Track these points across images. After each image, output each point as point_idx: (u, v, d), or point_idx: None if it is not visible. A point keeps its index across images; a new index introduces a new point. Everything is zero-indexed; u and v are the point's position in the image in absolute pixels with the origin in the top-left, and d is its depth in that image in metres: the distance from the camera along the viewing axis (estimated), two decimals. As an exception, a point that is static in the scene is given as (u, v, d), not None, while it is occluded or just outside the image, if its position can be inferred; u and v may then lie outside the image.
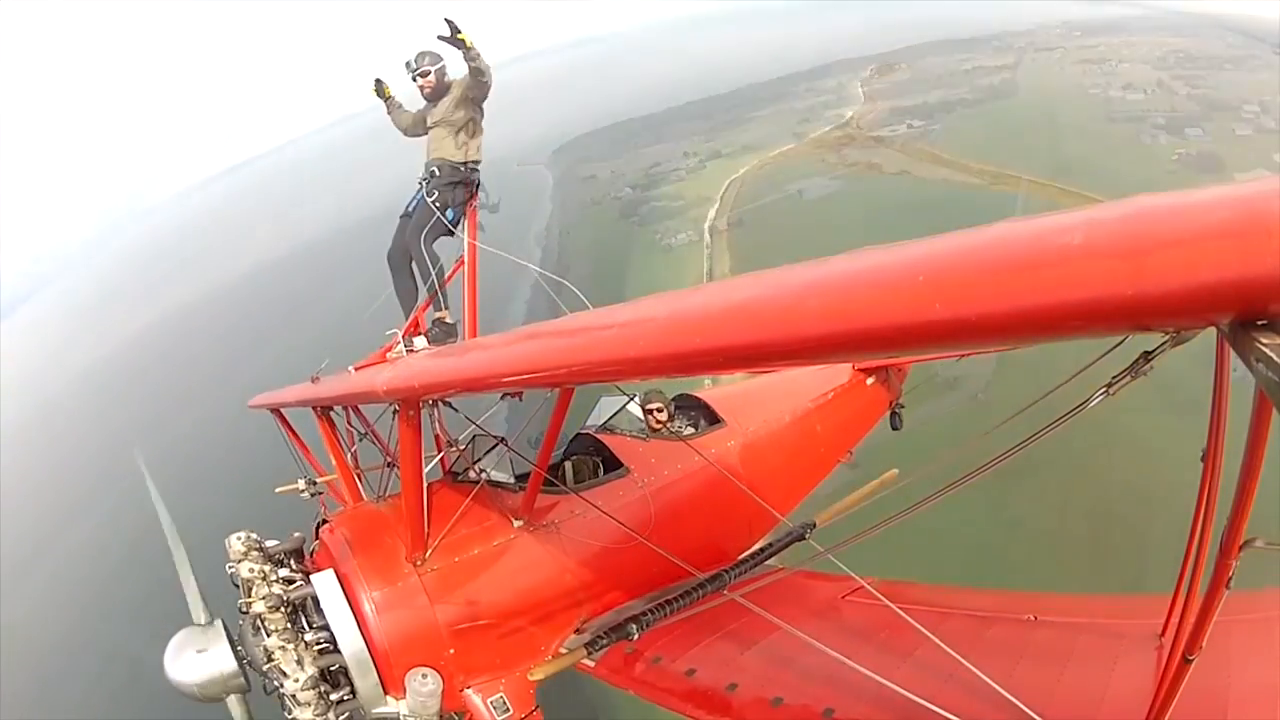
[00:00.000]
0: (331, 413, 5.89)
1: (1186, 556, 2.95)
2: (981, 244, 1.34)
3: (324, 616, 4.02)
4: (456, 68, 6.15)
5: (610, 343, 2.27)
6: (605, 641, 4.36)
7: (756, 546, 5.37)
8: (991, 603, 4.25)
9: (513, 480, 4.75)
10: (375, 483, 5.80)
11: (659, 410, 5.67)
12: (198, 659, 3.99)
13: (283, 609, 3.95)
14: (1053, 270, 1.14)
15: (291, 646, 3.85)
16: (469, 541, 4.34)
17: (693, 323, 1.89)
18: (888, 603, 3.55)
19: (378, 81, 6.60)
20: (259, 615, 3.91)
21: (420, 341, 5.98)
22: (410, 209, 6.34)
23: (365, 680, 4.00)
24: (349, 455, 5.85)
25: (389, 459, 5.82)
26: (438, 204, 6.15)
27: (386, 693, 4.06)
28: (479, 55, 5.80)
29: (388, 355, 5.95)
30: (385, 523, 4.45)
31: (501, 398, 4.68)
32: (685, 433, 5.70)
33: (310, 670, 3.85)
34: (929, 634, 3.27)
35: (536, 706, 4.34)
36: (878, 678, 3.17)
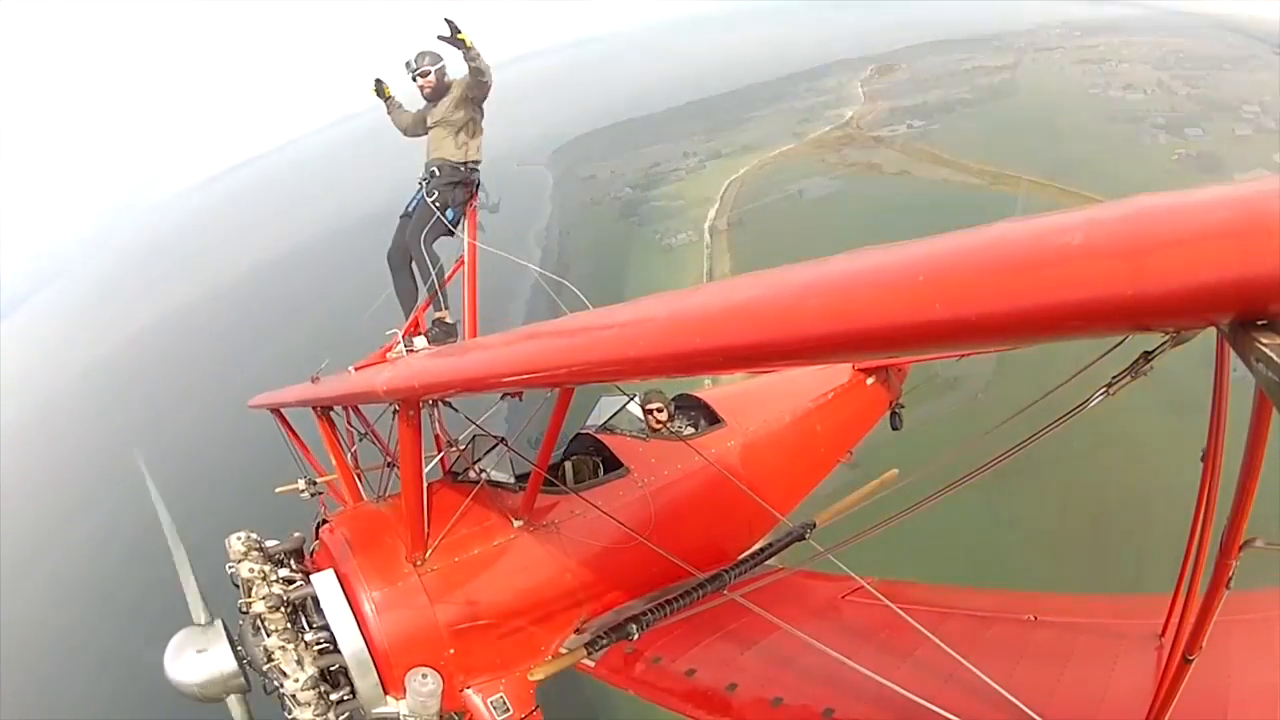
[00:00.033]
0: (331, 413, 5.89)
1: (1186, 556, 2.95)
2: (981, 244, 1.34)
3: (324, 616, 4.02)
4: (456, 68, 6.15)
5: (610, 343, 2.27)
6: (605, 641, 4.35)
7: (756, 546, 5.37)
8: (991, 603, 4.25)
9: (513, 480, 4.75)
10: (375, 483, 5.80)
11: (659, 410, 5.67)
12: (198, 659, 3.99)
13: (283, 609, 3.95)
14: (1053, 270, 1.14)
15: (291, 646, 3.85)
16: (469, 541, 4.34)
17: (693, 323, 1.89)
18: (888, 603, 3.55)
19: (378, 81, 6.60)
20: (259, 615, 3.91)
21: (420, 341, 5.98)
22: (410, 209, 6.34)
23: (365, 680, 4.00)
24: (349, 455, 5.85)
25: (389, 459, 5.82)
26: (438, 204, 6.15)
27: (386, 693, 4.06)
28: (479, 55, 5.80)
29: (388, 355, 5.95)
30: (385, 523, 4.45)
31: (501, 398, 4.68)
32: (685, 433, 5.70)
33: (310, 670, 3.85)
34: (929, 634, 3.27)
35: (536, 706, 4.33)
36: (878, 678, 3.17)
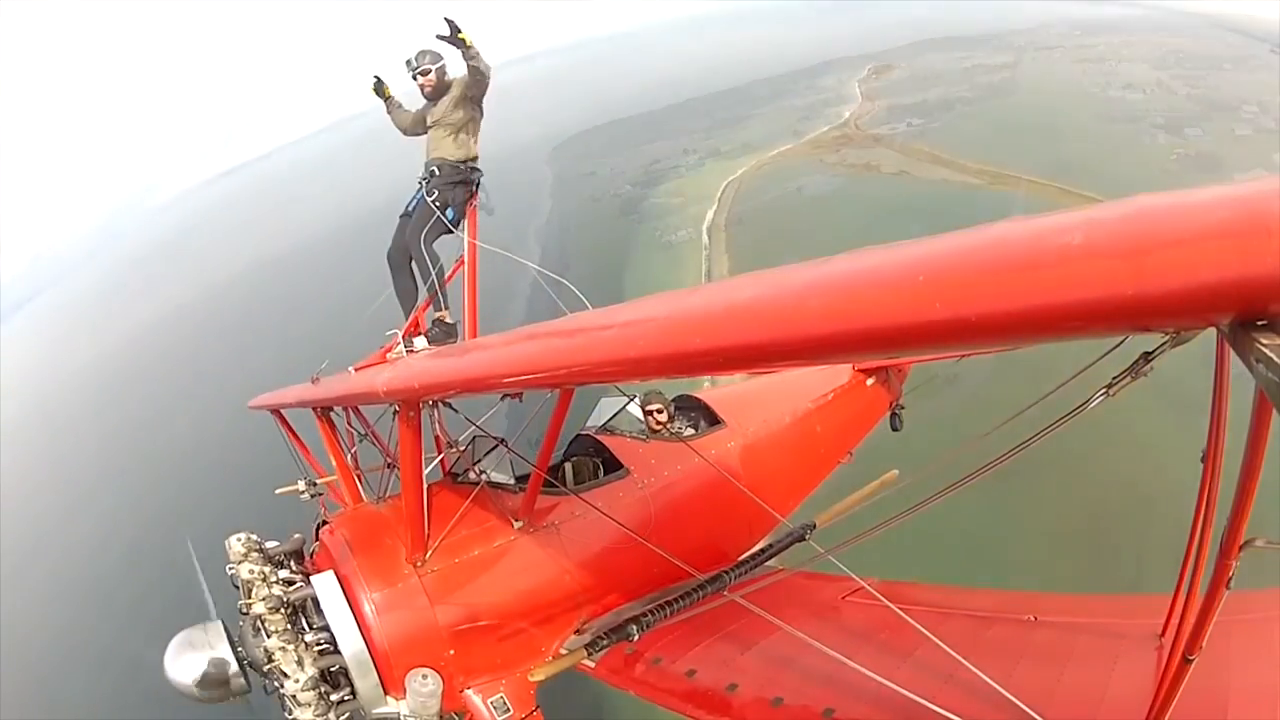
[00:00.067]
0: (331, 413, 5.89)
1: (1186, 556, 2.95)
2: (981, 244, 1.34)
3: (324, 617, 4.02)
4: (456, 67, 6.16)
5: (610, 343, 2.27)
6: (605, 642, 4.36)
7: (757, 547, 5.37)
8: (991, 603, 4.25)
9: (513, 481, 4.74)
10: (375, 484, 5.79)
11: (659, 411, 5.67)
12: (198, 659, 3.99)
13: (283, 610, 3.95)
14: (1053, 270, 1.14)
15: (292, 647, 3.85)
16: (469, 543, 4.34)
17: (693, 323, 1.89)
18: (888, 603, 3.55)
19: (377, 80, 6.59)
20: (259, 616, 3.92)
21: (420, 341, 5.98)
22: (410, 208, 6.34)
23: (365, 681, 4.00)
24: (349, 456, 5.85)
25: (389, 460, 5.81)
26: (438, 203, 6.14)
27: (387, 693, 4.06)
28: (478, 54, 5.79)
29: (388, 355, 5.94)
30: (385, 524, 4.45)
31: (501, 398, 4.68)
32: (685, 434, 5.69)
33: (310, 671, 3.85)
34: (929, 634, 3.27)
35: (536, 707, 4.33)
36: (878, 678, 3.17)
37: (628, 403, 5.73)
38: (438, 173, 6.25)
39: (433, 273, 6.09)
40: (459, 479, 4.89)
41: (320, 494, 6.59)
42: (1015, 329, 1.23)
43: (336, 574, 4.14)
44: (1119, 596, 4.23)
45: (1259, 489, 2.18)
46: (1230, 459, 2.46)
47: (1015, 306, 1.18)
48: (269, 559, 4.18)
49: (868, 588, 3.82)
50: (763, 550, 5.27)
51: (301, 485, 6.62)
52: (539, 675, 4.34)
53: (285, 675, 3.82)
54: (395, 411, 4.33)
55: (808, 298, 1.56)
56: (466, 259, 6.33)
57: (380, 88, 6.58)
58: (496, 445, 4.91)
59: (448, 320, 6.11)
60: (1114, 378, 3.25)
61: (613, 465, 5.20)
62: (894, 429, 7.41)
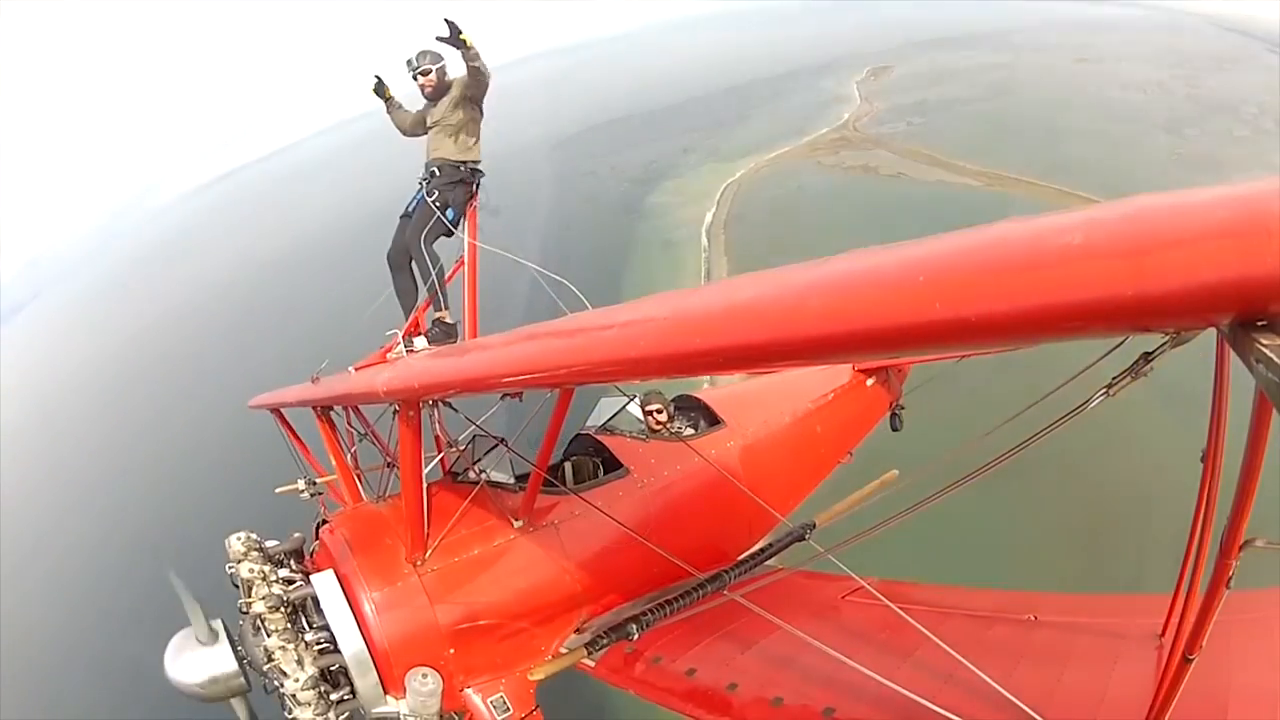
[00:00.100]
0: (331, 413, 5.89)
1: (1186, 556, 2.95)
2: (981, 244, 1.34)
3: (324, 617, 4.02)
4: (457, 67, 6.16)
5: (610, 343, 2.27)
6: (605, 641, 4.36)
7: (756, 547, 5.37)
8: (991, 603, 4.25)
9: (513, 481, 4.75)
10: (375, 483, 5.80)
11: (659, 411, 5.67)
12: (198, 659, 3.99)
13: (283, 609, 3.95)
14: (1053, 270, 1.14)
15: (291, 646, 3.85)
16: (469, 542, 4.34)
17: (693, 323, 1.88)
18: (888, 603, 3.55)
19: (378, 80, 6.59)
20: (259, 615, 3.92)
21: (420, 341, 5.98)
22: (410, 209, 6.34)
23: (365, 680, 4.00)
24: (349, 455, 5.86)
25: (389, 459, 5.82)
26: (438, 204, 6.14)
27: (386, 692, 4.06)
28: (478, 55, 5.79)
29: (388, 355, 5.95)
30: (385, 523, 4.45)
31: (501, 398, 4.68)
32: (685, 433, 5.70)
33: (310, 670, 3.85)
34: (929, 634, 3.27)
35: (536, 706, 4.34)
36: (878, 678, 3.17)
37: (628, 403, 5.73)
38: (438, 173, 6.25)
39: (433, 273, 6.09)
40: (459, 478, 4.89)
41: (320, 493, 6.60)
42: (1015, 329, 1.23)
43: (336, 573, 4.14)
44: (1119, 596, 4.23)
45: (1259, 489, 2.18)
46: (1230, 459, 2.46)
47: (1015, 306, 1.18)
48: (269, 558, 4.18)
49: (868, 587, 3.82)
50: (763, 550, 5.27)
51: (301, 485, 6.63)
52: (539, 674, 4.34)
53: (285, 674, 3.82)
54: (395, 411, 4.34)
55: (808, 298, 1.55)
56: (466, 259, 6.34)
57: (381, 88, 6.58)
58: (496, 445, 4.92)
59: (448, 320, 6.11)
60: (1114, 378, 3.26)
61: (613, 465, 5.20)
62: (894, 429, 7.42)
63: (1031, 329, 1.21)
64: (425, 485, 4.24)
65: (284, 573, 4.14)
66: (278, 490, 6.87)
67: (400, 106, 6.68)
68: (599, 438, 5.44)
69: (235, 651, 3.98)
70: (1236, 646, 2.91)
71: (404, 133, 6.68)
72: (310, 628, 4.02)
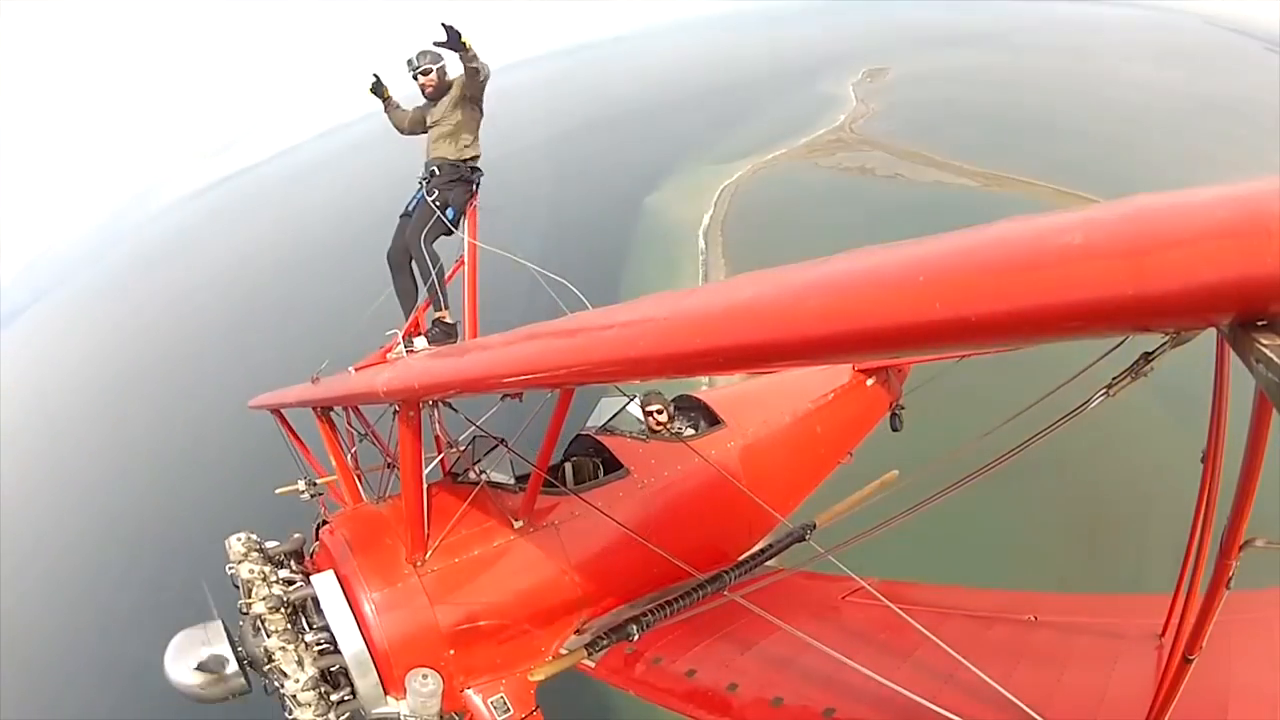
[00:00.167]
0: (331, 413, 5.89)
1: (1186, 556, 2.95)
2: (981, 244, 1.34)
3: (324, 617, 4.02)
4: (457, 67, 6.16)
5: (610, 343, 2.27)
6: (605, 642, 4.36)
7: (756, 547, 5.37)
8: (991, 603, 4.25)
9: (513, 481, 4.74)
10: (375, 483, 5.80)
11: (659, 411, 5.67)
12: (198, 659, 3.99)
13: (283, 610, 3.95)
14: (1053, 270, 1.14)
15: (292, 647, 3.85)
16: (469, 542, 4.34)
17: (693, 323, 1.88)
18: (888, 603, 3.55)
19: (376, 79, 6.57)
20: (259, 616, 3.92)
21: (420, 341, 5.98)
22: (410, 208, 6.34)
23: (365, 681, 4.00)
24: (349, 456, 5.86)
25: (389, 460, 5.82)
26: (438, 203, 6.14)
27: (387, 693, 4.06)
28: (477, 56, 5.79)
29: (388, 355, 5.95)
30: (385, 524, 4.45)
31: (501, 398, 4.68)
32: (685, 434, 5.70)
33: (310, 671, 3.85)
34: (929, 634, 3.27)
35: (537, 707, 4.34)
36: (878, 678, 3.17)
37: (628, 403, 5.73)
38: (438, 173, 6.25)
39: (433, 273, 6.08)
40: (459, 479, 4.89)
41: (320, 494, 6.60)
42: (1015, 329, 1.23)
43: (336, 574, 4.14)
44: (1119, 596, 4.23)
45: (1259, 489, 2.18)
46: (1230, 459, 2.46)
47: (1015, 306, 1.18)
48: (269, 559, 4.18)
49: (868, 588, 3.82)
50: (763, 550, 5.27)
51: (301, 485, 6.63)
52: (539, 675, 4.34)
53: (285, 675, 3.82)
54: (395, 411, 4.34)
55: (807, 298, 1.55)
56: (466, 259, 6.33)
57: (379, 88, 6.57)
58: (496, 445, 4.92)
59: (448, 320, 6.11)
60: (1114, 378, 3.26)
61: (613, 465, 5.20)
62: (894, 429, 7.42)
63: (1031, 329, 1.21)
64: (425, 486, 4.24)
65: (284, 573, 4.14)
66: (278, 491, 6.87)
67: (398, 106, 6.69)
68: (599, 438, 5.44)
69: (235, 652, 3.98)
70: (1236, 646, 2.91)
71: (402, 132, 6.69)
72: (310, 628, 4.02)
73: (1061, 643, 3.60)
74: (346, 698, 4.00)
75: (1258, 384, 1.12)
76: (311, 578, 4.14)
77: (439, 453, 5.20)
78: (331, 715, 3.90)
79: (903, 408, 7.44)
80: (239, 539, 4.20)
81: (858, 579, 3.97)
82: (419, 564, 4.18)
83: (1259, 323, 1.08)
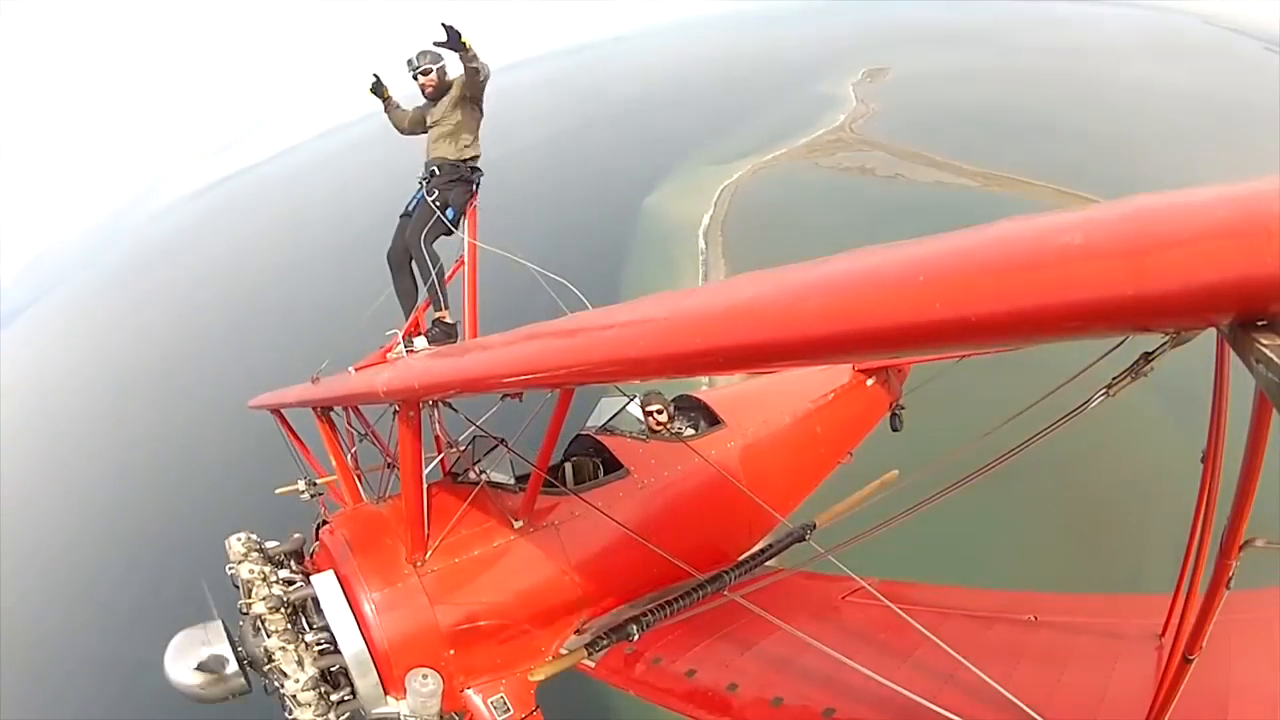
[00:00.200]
0: (331, 413, 5.89)
1: (1186, 556, 2.95)
2: (981, 244, 1.34)
3: (324, 617, 4.02)
4: (457, 67, 6.16)
5: (610, 343, 2.27)
6: (605, 642, 4.36)
7: (757, 547, 5.37)
8: (991, 603, 4.25)
9: (513, 481, 4.75)
10: (375, 483, 5.80)
11: (659, 411, 5.67)
12: (198, 659, 3.99)
13: (283, 610, 3.95)
14: (1053, 270, 1.14)
15: (292, 647, 3.85)
16: (469, 542, 4.34)
17: (693, 323, 1.88)
18: (888, 603, 3.55)
19: (375, 79, 6.57)
20: (259, 616, 3.92)
21: (420, 341, 5.98)
22: (410, 208, 6.34)
23: (365, 681, 4.00)
24: (349, 456, 5.86)
25: (389, 460, 5.82)
26: (438, 203, 6.14)
27: (387, 693, 4.06)
28: (476, 56, 5.79)
29: (388, 355, 5.95)
30: (385, 524, 4.45)
31: (501, 398, 4.68)
32: (685, 434, 5.70)
33: (310, 671, 3.85)
34: (929, 634, 3.27)
35: (537, 707, 4.34)
36: (878, 678, 3.17)
37: (628, 403, 5.73)
38: (438, 172, 6.25)
39: (433, 273, 6.08)
40: (459, 479, 4.89)
41: (320, 494, 6.60)
42: (1015, 329, 1.23)
43: (336, 574, 4.14)
44: (1119, 596, 4.23)
45: (1259, 489, 2.18)
46: (1230, 459, 2.46)
47: (1015, 306, 1.18)
48: (269, 559, 4.18)
49: (868, 588, 3.82)
50: (763, 550, 5.27)
51: (301, 485, 6.63)
52: (539, 675, 4.34)
53: (285, 675, 3.82)
54: (395, 411, 4.34)
55: (807, 298, 1.55)
56: (466, 259, 6.33)
57: (378, 87, 6.57)
58: (496, 445, 4.92)
59: (448, 320, 6.11)
60: (1114, 378, 3.27)
61: (613, 465, 5.20)
62: (894, 429, 7.42)
63: (1031, 329, 1.21)
64: (425, 485, 4.24)
65: (284, 573, 4.14)
66: (278, 491, 6.87)
67: (398, 106, 6.69)
68: (599, 438, 5.44)
69: (235, 652, 3.98)
70: (1236, 646, 2.91)
71: (402, 131, 6.69)
72: (310, 628, 4.02)
73: (1061, 643, 3.60)
74: (346, 698, 4.00)
75: (1258, 384, 1.12)
76: (311, 578, 4.14)
77: (439, 453, 5.20)
78: (331, 715, 3.90)
79: (903, 408, 7.44)
80: (239, 539, 4.20)
81: (858, 579, 3.97)
82: (419, 564, 4.18)
83: (1259, 323, 1.08)
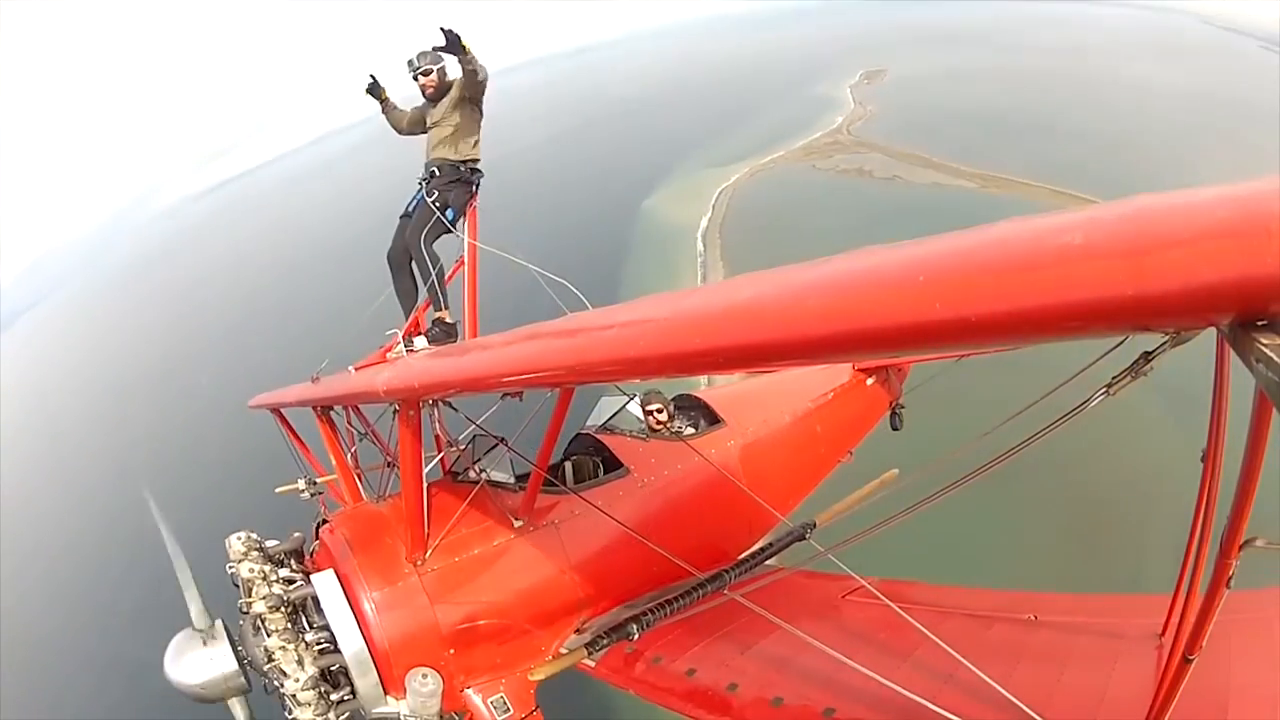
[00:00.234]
0: (331, 413, 5.89)
1: (1186, 556, 2.95)
2: (981, 244, 1.34)
3: (324, 616, 4.02)
4: (458, 68, 6.16)
5: (610, 343, 2.27)
6: (605, 641, 4.36)
7: (756, 546, 5.37)
8: (991, 603, 4.25)
9: (513, 480, 4.75)
10: (375, 483, 5.80)
11: (659, 410, 5.67)
12: (198, 659, 3.99)
13: (283, 609, 3.96)
14: (1053, 270, 1.14)
15: (292, 647, 3.86)
16: (469, 542, 4.34)
17: (693, 323, 1.88)
18: (888, 603, 3.55)
19: (372, 80, 6.56)
20: (259, 615, 3.92)
21: (420, 341, 5.98)
22: (410, 209, 6.34)
23: (365, 680, 4.00)
24: (349, 455, 5.86)
25: (389, 459, 5.83)
26: (438, 203, 6.15)
27: (387, 693, 4.06)
28: (474, 59, 5.80)
29: (388, 355, 5.95)
30: (385, 523, 4.45)
31: (501, 398, 4.68)
32: (685, 433, 5.70)
33: (310, 670, 3.86)
34: (929, 634, 3.27)
35: (537, 706, 4.34)
36: (878, 678, 3.17)
37: (628, 402, 5.73)
38: (438, 173, 6.25)
39: (433, 273, 6.09)
40: (459, 478, 4.89)
41: (320, 493, 6.61)
42: (1015, 329, 1.23)
43: (336, 573, 4.14)
44: (1119, 596, 4.23)
45: (1259, 489, 2.18)
46: (1230, 459, 2.46)
47: (1015, 306, 1.18)
48: (269, 558, 4.18)
49: (868, 587, 3.82)
50: (763, 549, 5.27)
51: (301, 484, 6.64)
52: (539, 675, 4.34)
53: (285, 674, 3.82)
54: (395, 411, 4.34)
55: (807, 298, 1.55)
56: (466, 259, 6.34)
57: (375, 88, 6.57)
58: (496, 444, 4.92)
59: (448, 320, 6.11)
60: (1114, 378, 3.27)
61: (613, 464, 5.20)
62: (894, 429, 7.42)
63: (1031, 329, 1.21)
64: (425, 485, 4.25)
65: (284, 573, 4.14)
66: (278, 490, 6.88)
67: (395, 107, 6.68)
68: (599, 437, 5.44)
69: (235, 651, 3.99)
70: (1236, 646, 2.91)
71: (400, 132, 6.68)
72: (310, 628, 4.02)
73: (1061, 643, 3.60)
74: (346, 697, 4.00)
75: (1258, 384, 1.12)
76: (311, 577, 4.14)
77: (439, 452, 5.20)
78: (331, 715, 3.91)
79: (903, 407, 7.44)
80: (239, 538, 4.20)
81: (858, 578, 3.97)
82: (419, 563, 4.18)
83: (1259, 323, 1.08)
